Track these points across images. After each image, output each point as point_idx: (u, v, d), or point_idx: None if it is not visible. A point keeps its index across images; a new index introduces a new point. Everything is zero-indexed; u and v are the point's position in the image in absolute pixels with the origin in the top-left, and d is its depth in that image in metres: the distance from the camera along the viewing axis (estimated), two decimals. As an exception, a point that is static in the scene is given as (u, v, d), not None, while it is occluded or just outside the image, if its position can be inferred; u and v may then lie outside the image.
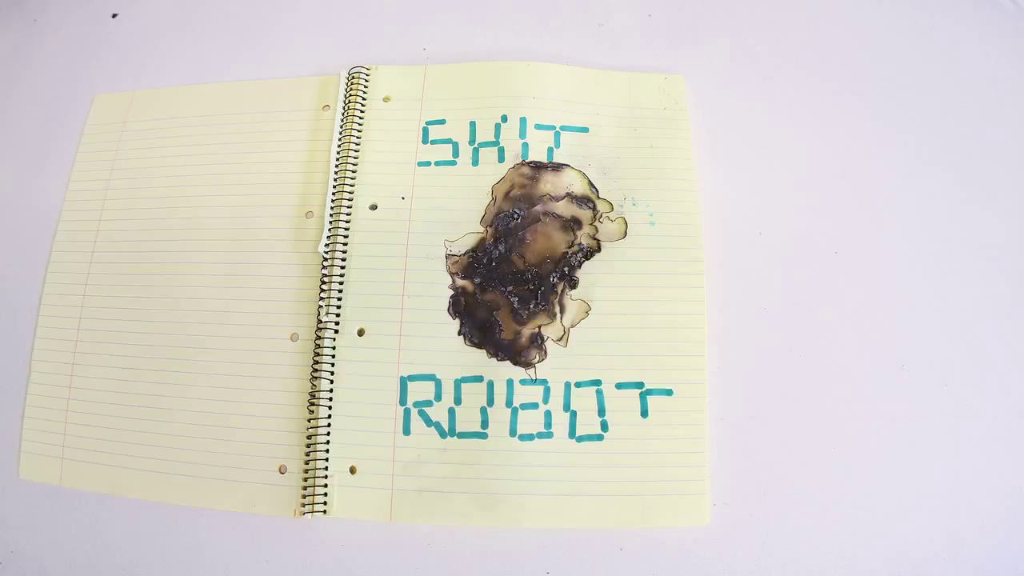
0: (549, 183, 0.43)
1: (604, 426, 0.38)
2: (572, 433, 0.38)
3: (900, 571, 0.36)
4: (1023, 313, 0.40)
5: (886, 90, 0.45)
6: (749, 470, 0.37)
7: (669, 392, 0.38)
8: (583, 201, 0.42)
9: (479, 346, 0.39)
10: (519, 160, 0.43)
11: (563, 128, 0.44)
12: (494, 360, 0.39)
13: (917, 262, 0.41)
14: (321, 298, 0.40)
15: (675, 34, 0.47)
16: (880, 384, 0.39)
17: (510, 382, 0.39)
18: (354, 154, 0.43)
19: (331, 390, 0.39)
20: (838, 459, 0.37)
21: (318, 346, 0.39)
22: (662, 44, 0.47)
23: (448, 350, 0.39)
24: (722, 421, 0.38)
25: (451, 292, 0.40)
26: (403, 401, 0.38)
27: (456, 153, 0.43)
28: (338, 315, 0.40)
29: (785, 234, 0.42)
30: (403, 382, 0.39)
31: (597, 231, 0.41)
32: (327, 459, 0.38)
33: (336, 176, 0.43)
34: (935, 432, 0.38)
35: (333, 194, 0.42)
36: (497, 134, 0.44)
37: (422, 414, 0.38)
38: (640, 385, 0.38)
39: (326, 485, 0.37)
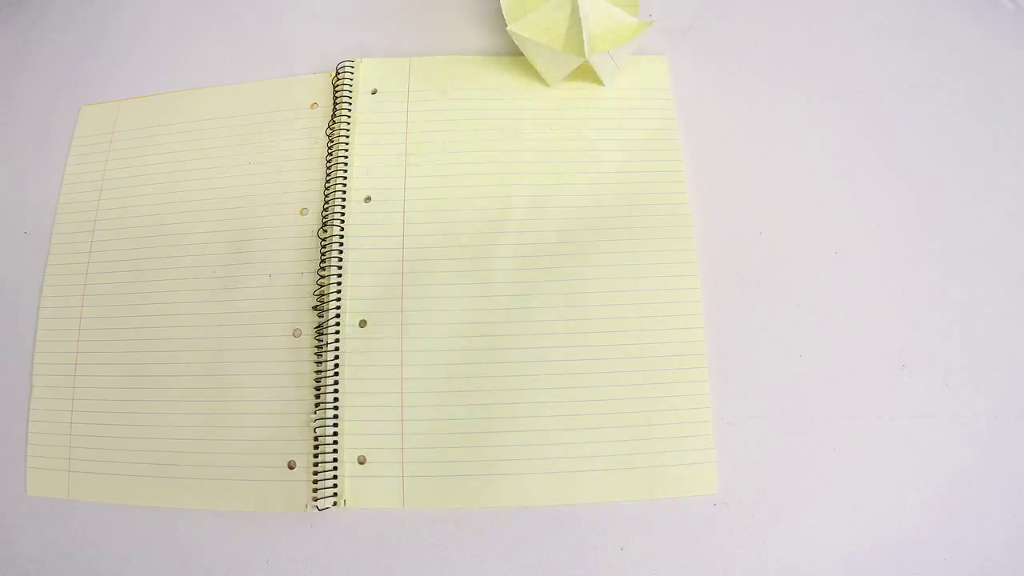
0: None
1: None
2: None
3: (900, 571, 0.36)
4: (1023, 313, 0.40)
5: (887, 89, 0.45)
6: (749, 469, 0.37)
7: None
8: None
9: None
10: None
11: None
12: None
13: (917, 262, 0.41)
14: (320, 292, 0.40)
15: (675, 34, 0.47)
16: (880, 384, 0.39)
17: None
18: (344, 148, 0.43)
19: (336, 382, 0.39)
20: (838, 459, 0.38)
21: (320, 340, 0.40)
22: (662, 44, 0.47)
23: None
24: (722, 421, 0.38)
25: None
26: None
27: None
28: (338, 308, 0.40)
29: (785, 234, 0.42)
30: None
31: None
32: (336, 451, 0.38)
33: (329, 171, 0.43)
34: (935, 432, 0.38)
35: (327, 189, 0.43)
36: None
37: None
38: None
39: (335, 477, 0.37)
